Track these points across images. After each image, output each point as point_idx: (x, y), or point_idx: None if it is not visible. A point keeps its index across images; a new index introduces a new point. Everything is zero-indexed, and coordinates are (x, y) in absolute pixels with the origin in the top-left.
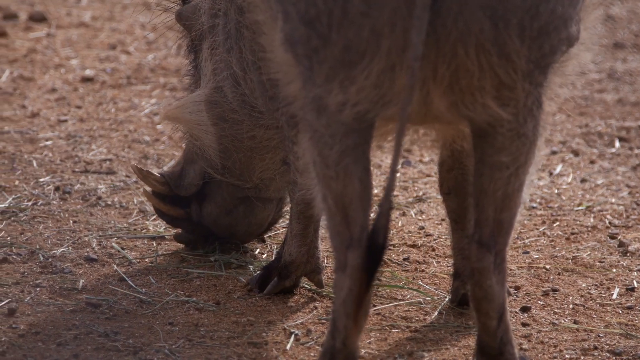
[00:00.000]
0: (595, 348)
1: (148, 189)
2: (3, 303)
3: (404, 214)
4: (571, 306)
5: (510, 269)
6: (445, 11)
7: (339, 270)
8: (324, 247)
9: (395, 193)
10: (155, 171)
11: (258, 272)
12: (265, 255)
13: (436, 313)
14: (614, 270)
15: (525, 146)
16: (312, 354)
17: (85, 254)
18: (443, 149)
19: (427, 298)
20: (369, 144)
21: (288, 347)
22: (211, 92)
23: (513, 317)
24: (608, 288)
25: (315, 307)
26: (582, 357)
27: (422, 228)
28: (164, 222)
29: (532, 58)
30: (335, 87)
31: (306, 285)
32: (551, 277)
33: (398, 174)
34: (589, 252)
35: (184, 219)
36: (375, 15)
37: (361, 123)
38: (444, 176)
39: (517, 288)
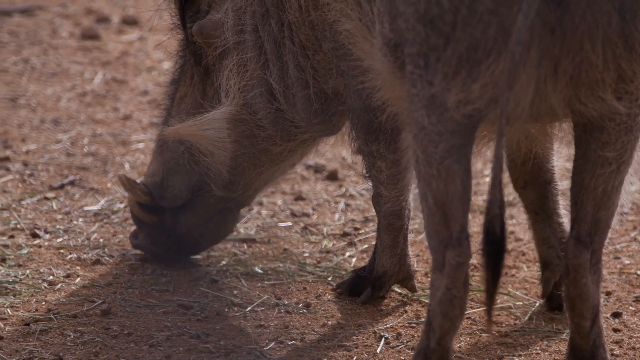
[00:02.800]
0: None
1: None
2: (96, 304)
3: None
4: None
5: None
6: (574, 7)
7: (436, 269)
8: (413, 250)
9: (483, 197)
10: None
11: (348, 277)
12: (355, 259)
13: (526, 318)
14: None
15: (631, 142)
16: (402, 358)
17: None
18: (512, 145)
19: (518, 303)
20: (472, 145)
21: (378, 350)
22: (238, 109)
23: (604, 323)
24: None
25: (406, 311)
26: None
27: (512, 233)
28: (255, 225)
29: None
30: (456, 85)
31: (396, 289)
32: None
33: (486, 179)
34: None
35: (157, 227)
36: (504, 12)
37: (470, 122)
38: (519, 170)
39: (608, 294)
